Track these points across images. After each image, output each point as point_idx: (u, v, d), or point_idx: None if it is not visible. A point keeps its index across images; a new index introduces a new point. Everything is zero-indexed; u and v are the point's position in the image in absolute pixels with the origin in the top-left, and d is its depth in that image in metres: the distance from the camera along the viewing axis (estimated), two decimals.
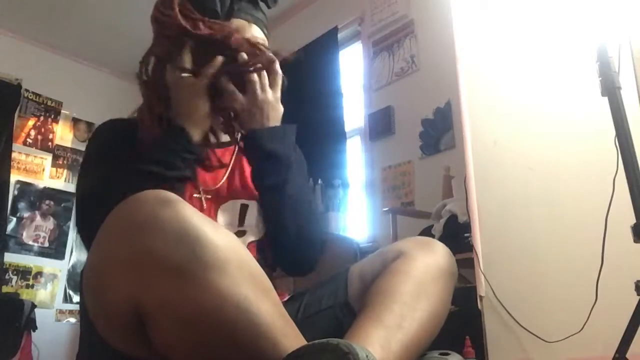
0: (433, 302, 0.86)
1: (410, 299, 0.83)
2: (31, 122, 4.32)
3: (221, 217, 0.99)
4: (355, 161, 3.41)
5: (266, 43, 1.04)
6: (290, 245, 0.99)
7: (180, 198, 0.71)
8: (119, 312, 0.70)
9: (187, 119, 0.94)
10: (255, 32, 1.04)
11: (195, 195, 0.98)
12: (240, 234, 1.00)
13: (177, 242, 0.66)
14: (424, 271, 0.87)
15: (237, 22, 1.01)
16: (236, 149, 1.08)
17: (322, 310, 0.95)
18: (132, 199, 0.70)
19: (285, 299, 1.02)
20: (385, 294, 0.84)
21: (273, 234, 1.00)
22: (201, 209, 0.96)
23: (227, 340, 0.68)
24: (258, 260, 0.98)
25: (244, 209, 1.02)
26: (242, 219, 1.01)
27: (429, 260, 0.89)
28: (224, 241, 0.69)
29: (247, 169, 1.06)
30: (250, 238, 1.01)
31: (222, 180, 1.02)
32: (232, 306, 0.67)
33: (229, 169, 1.05)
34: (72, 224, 4.35)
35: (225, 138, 1.08)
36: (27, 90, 4.31)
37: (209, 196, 0.99)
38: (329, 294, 0.97)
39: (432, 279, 0.87)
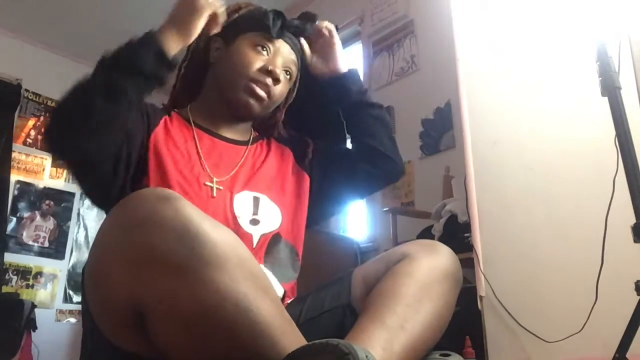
0: (436, 305, 0.85)
1: (413, 300, 0.83)
2: (31, 122, 4.32)
3: (237, 205, 1.03)
4: None
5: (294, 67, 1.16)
6: (390, 152, 1.19)
7: (180, 195, 0.71)
8: (119, 308, 0.71)
9: None
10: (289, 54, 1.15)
11: (207, 183, 1.01)
12: (254, 222, 1.03)
13: (176, 239, 0.66)
14: (427, 273, 0.87)
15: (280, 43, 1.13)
16: (248, 149, 1.13)
17: (325, 312, 0.95)
18: (133, 195, 0.71)
19: (288, 302, 1.02)
20: (388, 296, 0.84)
21: (375, 145, 1.17)
22: (210, 196, 1.00)
23: (226, 338, 0.68)
24: (271, 254, 1.02)
25: (256, 200, 1.06)
26: (256, 209, 1.05)
27: (433, 262, 0.89)
28: (223, 238, 0.70)
29: (258, 166, 1.12)
30: (264, 229, 1.03)
31: (234, 170, 1.07)
32: (231, 304, 0.67)
33: (241, 162, 1.10)
34: (72, 223, 4.36)
35: (240, 137, 1.15)
36: (27, 90, 4.31)
37: (221, 187, 1.03)
38: (331, 296, 0.97)
39: (436, 281, 0.87)
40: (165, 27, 0.98)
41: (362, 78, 1.27)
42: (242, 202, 1.04)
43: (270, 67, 1.07)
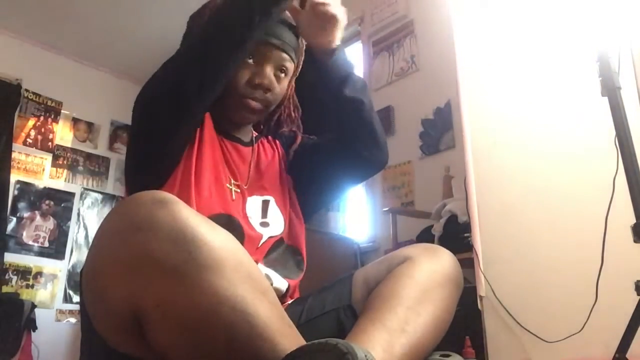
0: (437, 308, 0.85)
1: (414, 303, 0.83)
2: (31, 122, 4.32)
3: (249, 207, 1.04)
4: None
5: (289, 68, 1.08)
6: (378, 142, 1.10)
7: (177, 199, 0.71)
8: (117, 313, 0.71)
9: None
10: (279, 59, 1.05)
11: (227, 185, 1.02)
12: (264, 224, 1.04)
13: (173, 243, 0.66)
14: (428, 276, 0.87)
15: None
16: (254, 150, 1.12)
17: (325, 314, 0.94)
18: (129, 199, 0.71)
19: (289, 302, 1.02)
20: (388, 297, 0.84)
21: (364, 135, 1.09)
22: (230, 199, 1.01)
23: (224, 341, 0.68)
24: (273, 255, 1.02)
25: (265, 204, 1.07)
26: (264, 212, 1.06)
27: (435, 266, 0.89)
28: (220, 242, 0.70)
29: (264, 168, 1.12)
30: (271, 232, 1.04)
31: (247, 174, 1.08)
32: (228, 307, 0.67)
33: (251, 165, 1.10)
34: (72, 223, 4.35)
35: (245, 138, 1.13)
36: (27, 90, 4.31)
37: (238, 190, 1.04)
38: (332, 297, 0.96)
39: (437, 285, 0.87)
40: None
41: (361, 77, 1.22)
42: (253, 206, 1.05)
43: (257, 81, 1.02)
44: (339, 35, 1.05)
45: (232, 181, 1.03)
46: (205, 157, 1.00)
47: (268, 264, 1.01)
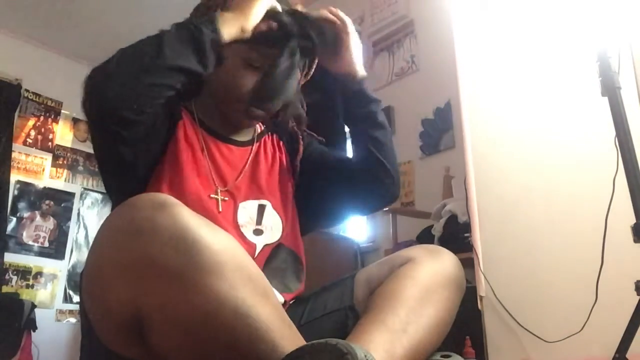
0: (439, 309, 0.85)
1: (416, 304, 0.83)
2: (31, 122, 4.32)
3: (240, 214, 0.99)
4: None
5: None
6: (391, 177, 1.09)
7: (177, 201, 0.71)
8: (117, 316, 0.71)
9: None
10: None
11: (212, 195, 0.97)
12: (257, 232, 1.00)
13: (174, 247, 0.66)
14: (430, 278, 0.87)
15: None
16: (252, 150, 1.08)
17: (327, 314, 0.94)
18: (130, 202, 0.71)
19: (290, 302, 1.02)
20: (390, 298, 0.84)
21: (379, 168, 1.08)
22: (216, 211, 0.96)
23: (225, 344, 0.68)
24: (272, 264, 0.99)
25: (261, 208, 1.03)
26: (260, 218, 1.02)
27: (437, 267, 0.89)
28: (221, 244, 0.69)
29: (262, 170, 1.07)
30: (267, 240, 1.00)
31: (239, 178, 1.02)
32: (229, 310, 0.67)
33: (245, 168, 1.05)
34: (72, 223, 4.35)
35: (243, 138, 1.09)
36: (27, 90, 4.30)
37: (226, 198, 0.99)
38: (334, 297, 0.96)
39: (439, 286, 0.87)
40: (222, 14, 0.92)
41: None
42: (246, 212, 1.00)
43: None
44: (358, 55, 1.13)
45: (219, 189, 0.98)
46: (185, 171, 0.95)
47: (266, 275, 0.99)
